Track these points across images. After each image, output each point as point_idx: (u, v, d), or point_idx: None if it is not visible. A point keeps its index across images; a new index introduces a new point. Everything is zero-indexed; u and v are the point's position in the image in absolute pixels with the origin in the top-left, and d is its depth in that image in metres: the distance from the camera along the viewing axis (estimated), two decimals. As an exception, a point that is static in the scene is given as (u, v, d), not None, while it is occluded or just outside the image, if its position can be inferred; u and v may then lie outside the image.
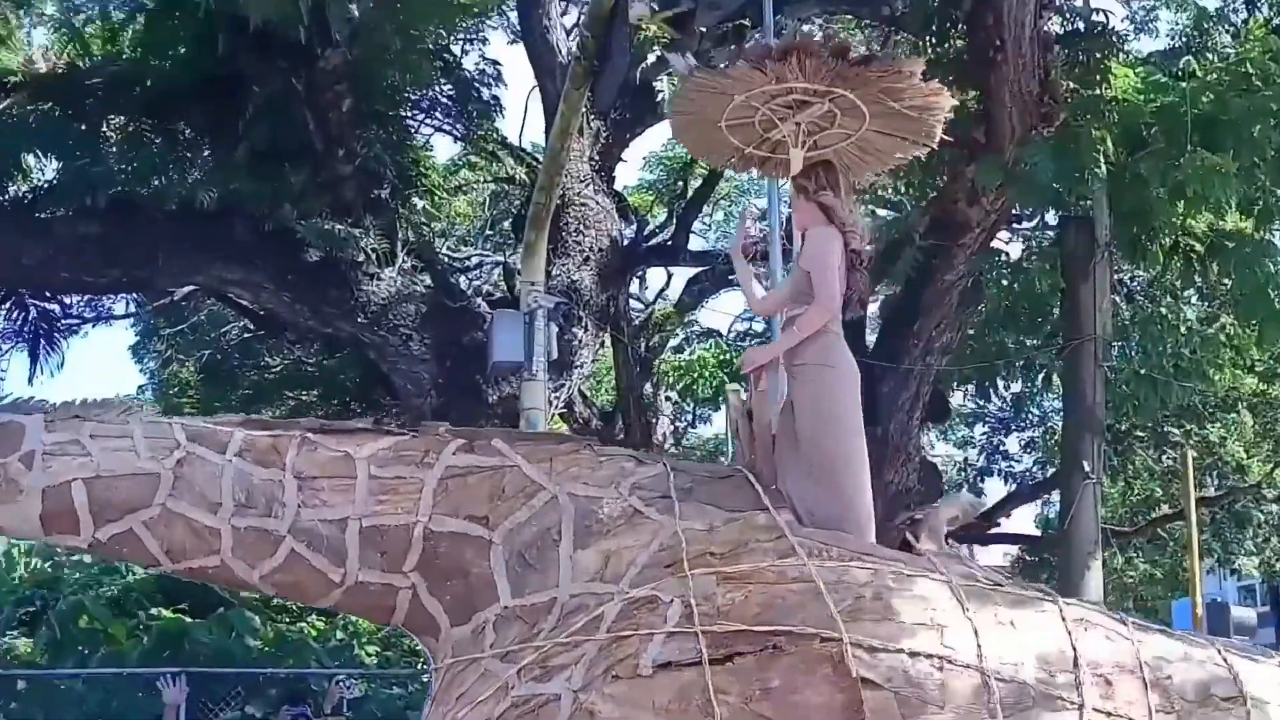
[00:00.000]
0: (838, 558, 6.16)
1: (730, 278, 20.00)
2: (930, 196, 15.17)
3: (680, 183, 22.53)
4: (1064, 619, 6.18)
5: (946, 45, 14.08)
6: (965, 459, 26.39)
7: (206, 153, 15.60)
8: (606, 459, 6.70)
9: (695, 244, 22.54)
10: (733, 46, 10.95)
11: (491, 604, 6.37)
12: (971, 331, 17.11)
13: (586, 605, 6.09)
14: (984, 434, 25.43)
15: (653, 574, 6.11)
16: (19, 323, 16.70)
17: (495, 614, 6.33)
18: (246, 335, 20.74)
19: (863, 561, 6.18)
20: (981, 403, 23.09)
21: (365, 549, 6.49)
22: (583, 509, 6.43)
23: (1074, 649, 6.04)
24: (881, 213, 16.96)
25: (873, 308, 15.79)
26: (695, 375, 19.10)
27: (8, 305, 16.43)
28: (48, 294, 16.42)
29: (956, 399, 20.94)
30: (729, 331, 23.46)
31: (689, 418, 25.11)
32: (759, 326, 21.44)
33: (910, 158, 7.51)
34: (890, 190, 16.72)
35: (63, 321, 17.16)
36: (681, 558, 6.12)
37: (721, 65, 6.95)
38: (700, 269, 20.96)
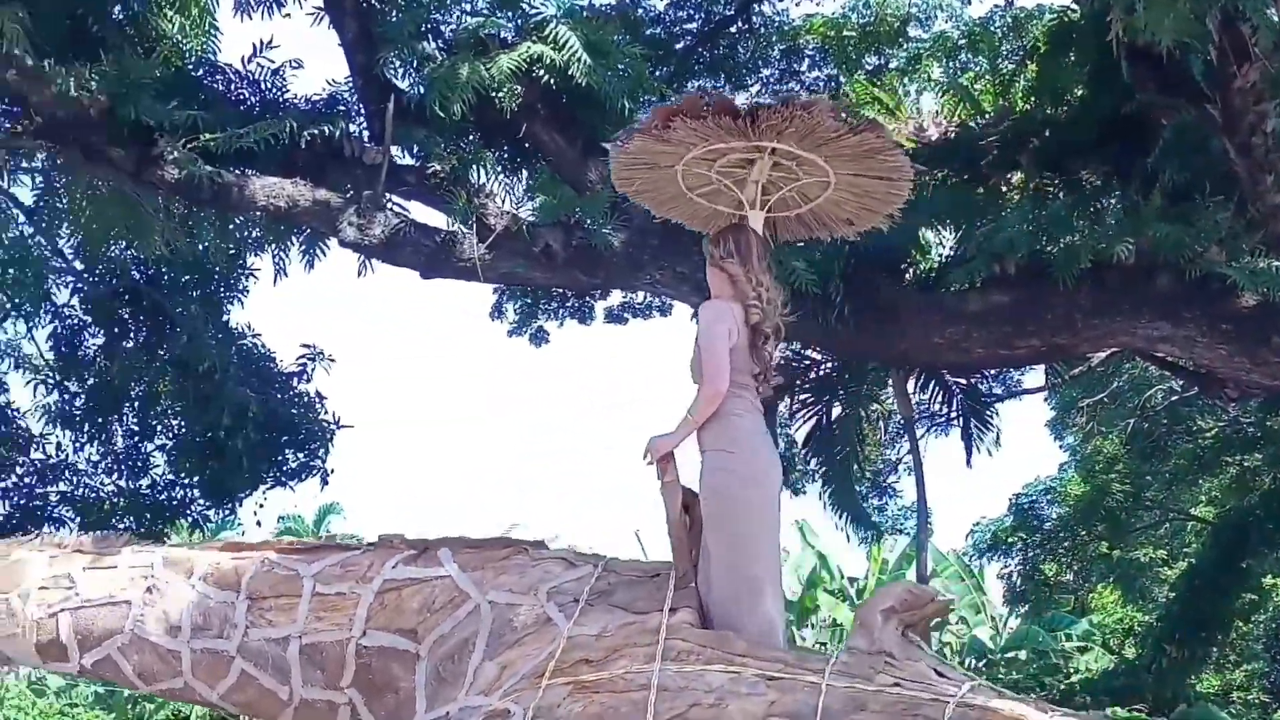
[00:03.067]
0: (705, 660, 5.77)
1: None
2: None
3: None
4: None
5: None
6: None
7: (1114, 201, 14.20)
8: (537, 563, 6.56)
9: None
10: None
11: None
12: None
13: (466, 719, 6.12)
14: None
15: (523, 684, 6.02)
16: (943, 402, 16.15)
17: None
18: (1172, 399, 19.02)
19: (729, 665, 5.72)
20: None
21: (306, 667, 6.72)
22: (501, 618, 6.37)
23: None
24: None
25: None
26: None
27: (930, 387, 15.92)
28: (961, 372, 15.74)
29: None
30: None
31: None
32: None
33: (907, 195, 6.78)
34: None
35: (985, 398, 16.41)
36: (552, 666, 6.00)
37: (617, 140, 6.75)
38: None
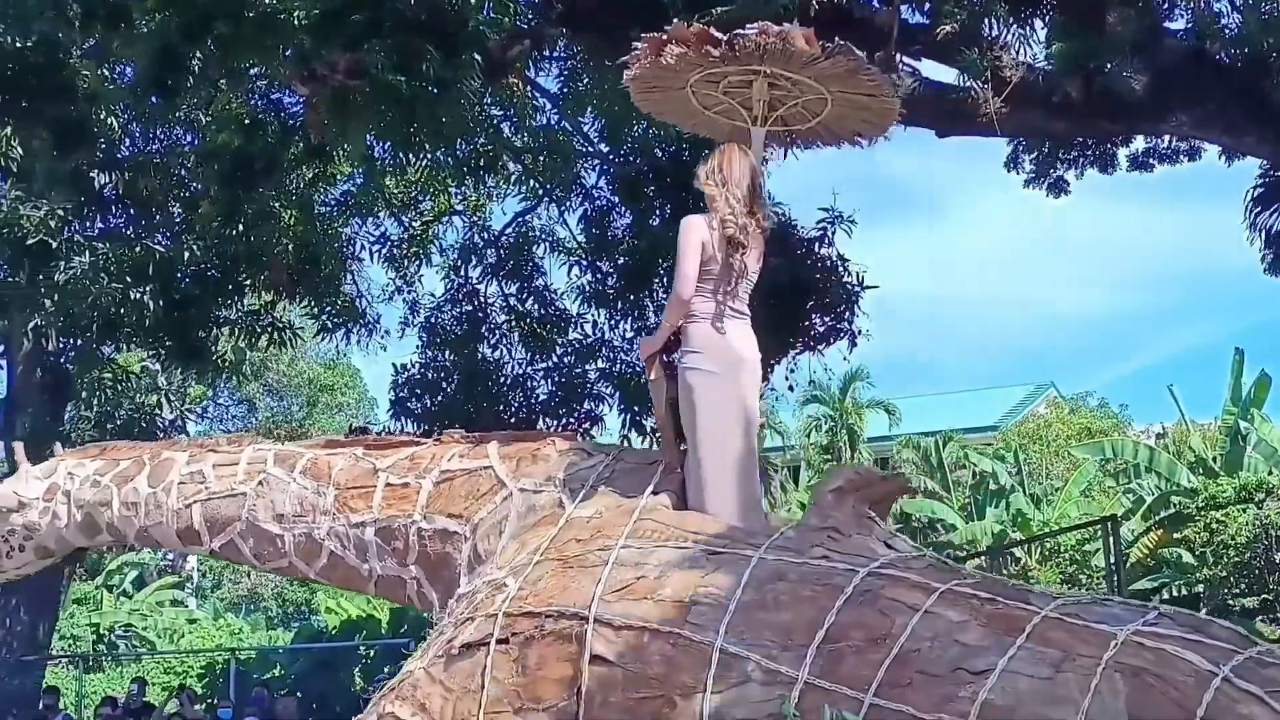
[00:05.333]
0: (661, 539, 6.38)
1: None
2: None
3: None
4: (862, 594, 5.71)
5: None
6: None
7: None
8: (562, 454, 7.27)
9: None
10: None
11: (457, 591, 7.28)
12: None
13: (479, 590, 6.79)
14: None
15: (524, 559, 6.70)
16: None
17: (454, 600, 7.14)
18: None
19: (680, 542, 6.32)
20: None
21: (381, 548, 7.64)
22: (528, 503, 7.12)
23: (828, 621, 5.64)
24: None
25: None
26: None
27: None
28: None
29: None
30: None
31: None
32: None
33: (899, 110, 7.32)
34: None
35: None
36: (547, 545, 6.70)
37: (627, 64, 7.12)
38: None
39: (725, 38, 6.61)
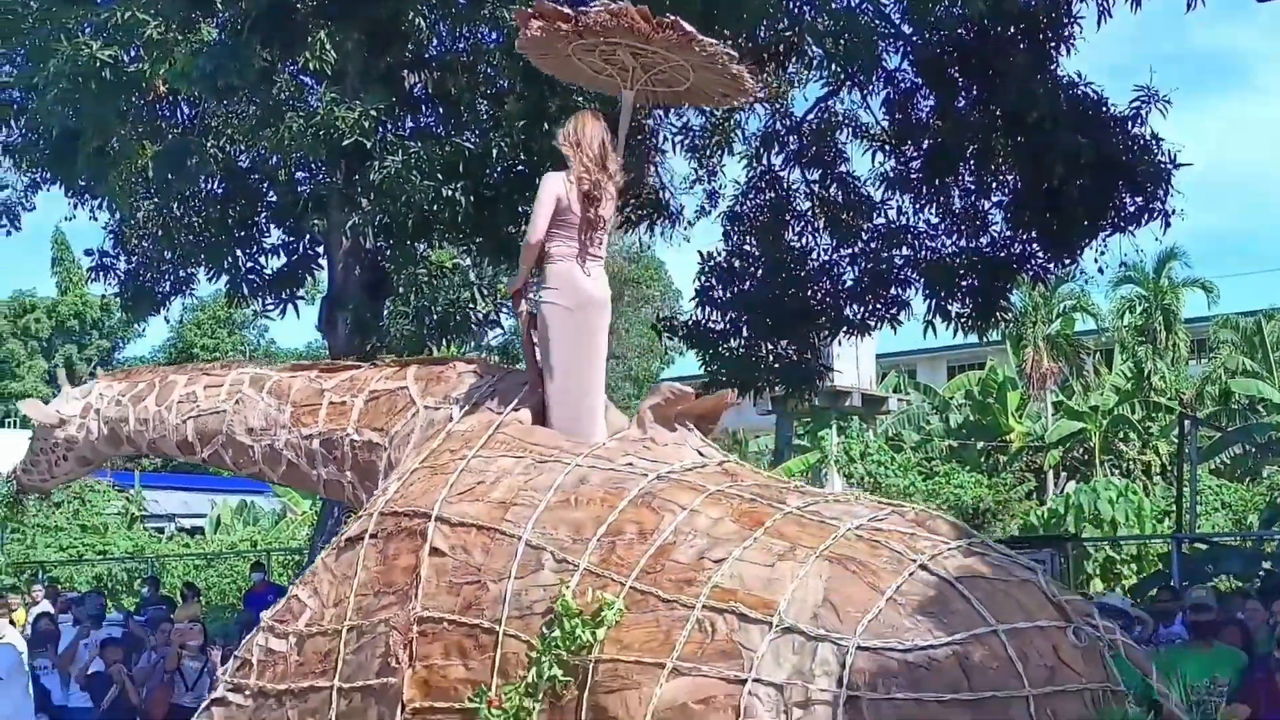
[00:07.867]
0: (506, 449, 7.43)
1: None
2: None
3: None
4: (644, 495, 6.71)
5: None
6: None
7: None
8: (460, 375, 8.30)
9: None
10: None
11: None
12: None
13: (377, 493, 7.87)
14: None
15: (410, 466, 7.77)
16: None
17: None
18: None
19: (519, 453, 7.37)
20: None
21: (325, 456, 8.71)
22: (429, 419, 8.16)
23: (610, 519, 6.62)
24: None
25: None
26: None
27: None
28: None
29: None
30: None
31: None
32: None
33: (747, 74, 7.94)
34: None
35: None
36: (426, 455, 7.81)
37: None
38: None
39: (573, 15, 7.45)
